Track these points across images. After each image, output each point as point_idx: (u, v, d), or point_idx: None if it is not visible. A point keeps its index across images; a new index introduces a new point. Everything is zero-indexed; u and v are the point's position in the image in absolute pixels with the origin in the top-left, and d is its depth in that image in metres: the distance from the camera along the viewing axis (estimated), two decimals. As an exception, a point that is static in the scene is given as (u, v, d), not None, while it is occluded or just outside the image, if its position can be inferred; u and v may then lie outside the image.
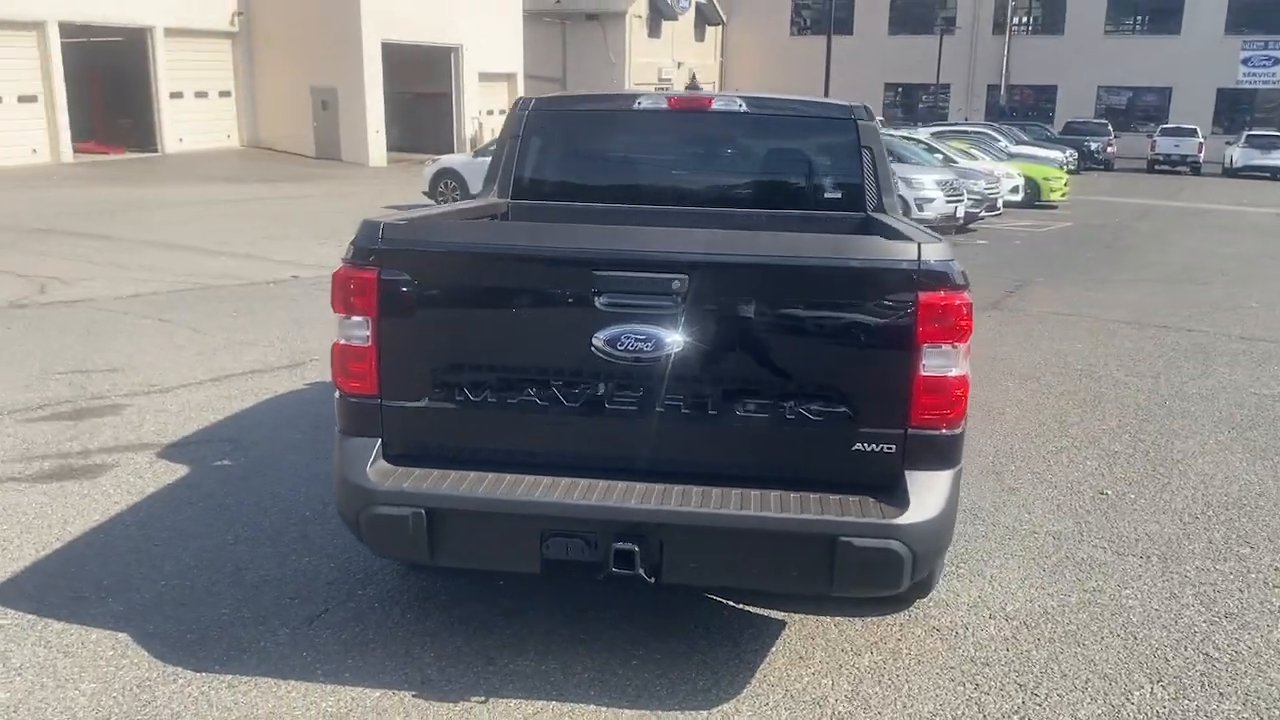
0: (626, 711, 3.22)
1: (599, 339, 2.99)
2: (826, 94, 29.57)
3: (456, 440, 3.23)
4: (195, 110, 30.95)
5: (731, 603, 3.93)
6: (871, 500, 3.02)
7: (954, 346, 2.98)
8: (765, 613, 3.87)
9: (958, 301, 2.96)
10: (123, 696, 3.23)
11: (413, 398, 3.19)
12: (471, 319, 3.17)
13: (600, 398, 3.11)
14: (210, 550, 4.28)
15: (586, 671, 3.42)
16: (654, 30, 43.25)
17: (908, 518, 2.96)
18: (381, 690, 3.29)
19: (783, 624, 3.81)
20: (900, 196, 5.46)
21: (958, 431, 3.09)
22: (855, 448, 3.02)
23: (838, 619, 3.83)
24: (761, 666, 3.51)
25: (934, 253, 2.97)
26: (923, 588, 3.71)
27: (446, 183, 20.25)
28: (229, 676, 3.35)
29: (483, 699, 3.26)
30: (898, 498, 3.01)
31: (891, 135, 19.61)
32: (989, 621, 3.88)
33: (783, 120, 4.66)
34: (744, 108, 4.56)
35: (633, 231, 3.26)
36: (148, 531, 4.49)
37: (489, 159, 4.54)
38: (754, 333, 3.05)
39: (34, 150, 26.78)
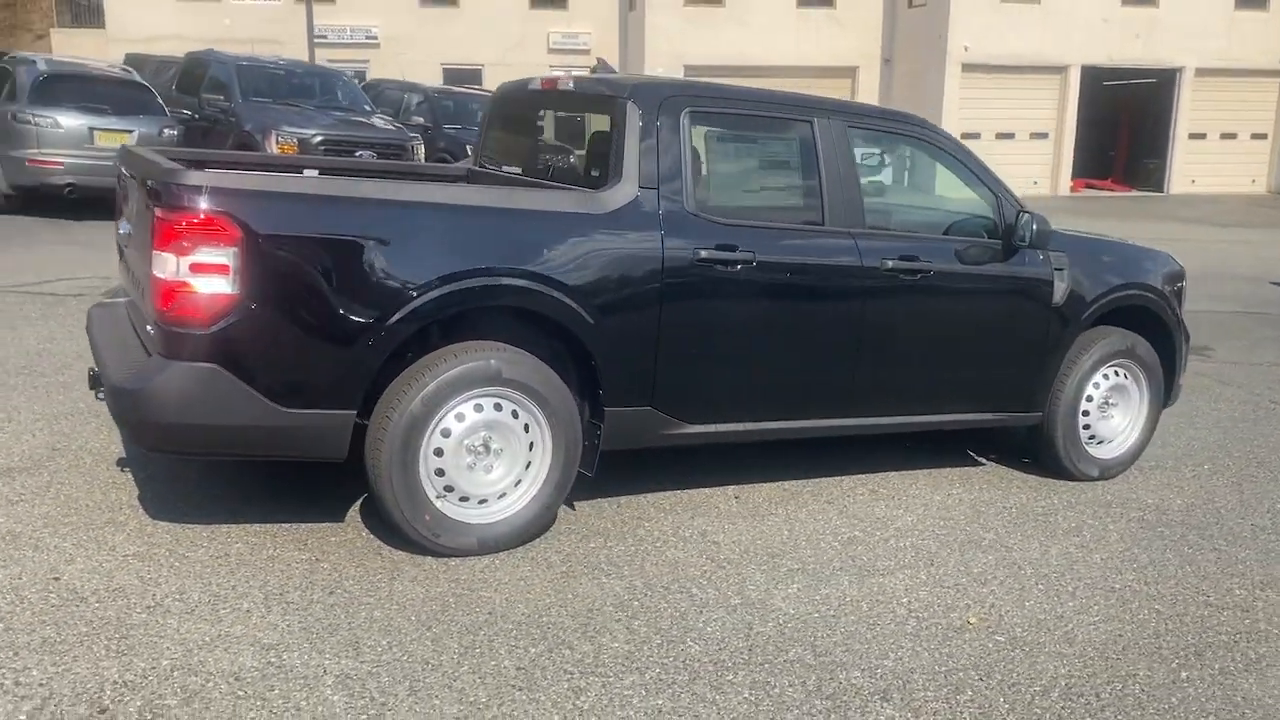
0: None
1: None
2: None
3: None
4: (1217, 152, 29.97)
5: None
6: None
7: (174, 256, 3.43)
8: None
9: (175, 219, 3.41)
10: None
11: None
12: None
13: None
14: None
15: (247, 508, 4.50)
16: None
17: (121, 383, 3.58)
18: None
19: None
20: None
21: (195, 333, 3.46)
22: (155, 329, 3.66)
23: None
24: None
25: (168, 175, 3.47)
26: None
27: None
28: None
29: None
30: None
31: None
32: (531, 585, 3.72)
33: (584, 99, 4.57)
34: (570, 87, 4.65)
35: (150, 154, 4.21)
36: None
37: None
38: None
39: (1034, 182, 29.34)
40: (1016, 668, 3.46)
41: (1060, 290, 5.05)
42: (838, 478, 5.16)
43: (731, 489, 4.91)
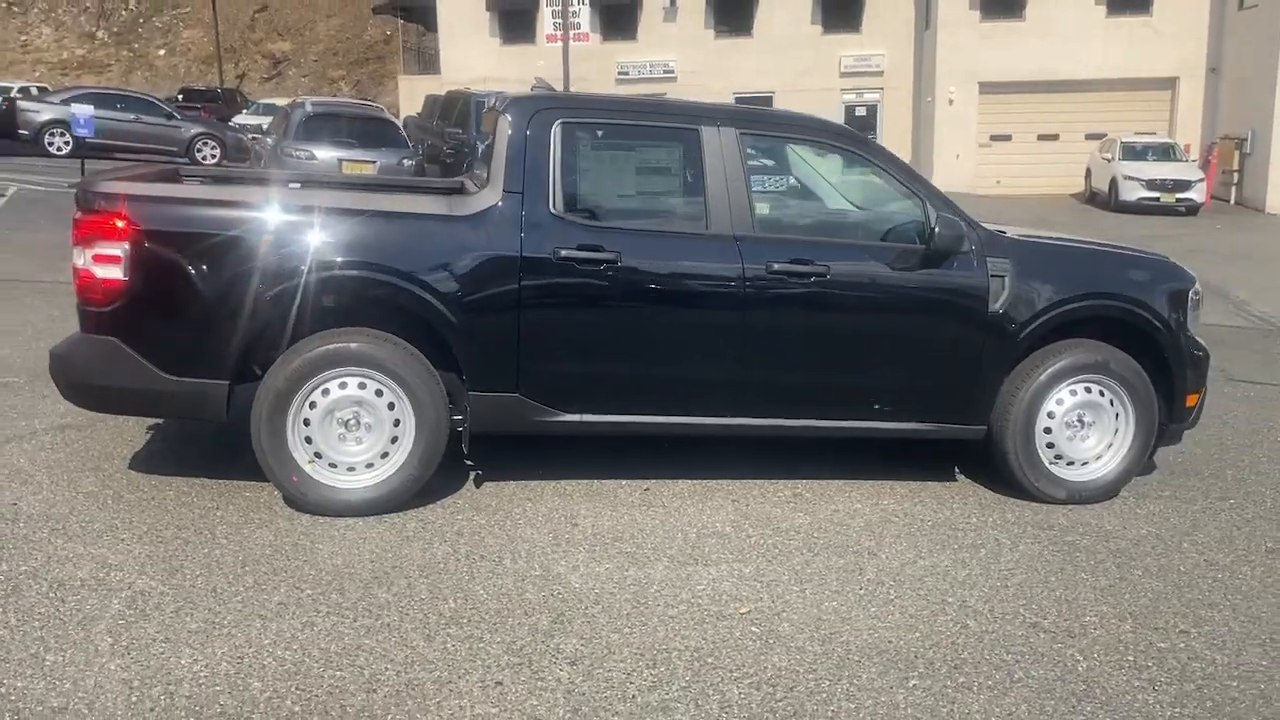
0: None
1: None
2: None
3: None
4: None
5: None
6: None
7: (82, 249, 4.27)
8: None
9: (82, 219, 4.26)
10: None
11: None
12: None
13: None
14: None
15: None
16: None
17: (53, 350, 4.48)
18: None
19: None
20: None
21: (98, 310, 4.27)
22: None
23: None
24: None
25: (84, 184, 4.33)
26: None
27: None
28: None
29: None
30: None
31: None
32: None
33: (487, 115, 4.97)
34: (493, 104, 5.08)
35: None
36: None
37: None
38: None
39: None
40: (735, 656, 3.52)
41: (1000, 298, 4.83)
42: (772, 480, 5.21)
43: (649, 482, 5.12)
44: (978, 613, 3.92)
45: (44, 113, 22.39)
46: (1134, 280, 5.07)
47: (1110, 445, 5.09)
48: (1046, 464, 5.04)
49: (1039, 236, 5.31)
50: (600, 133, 4.73)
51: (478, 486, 4.98)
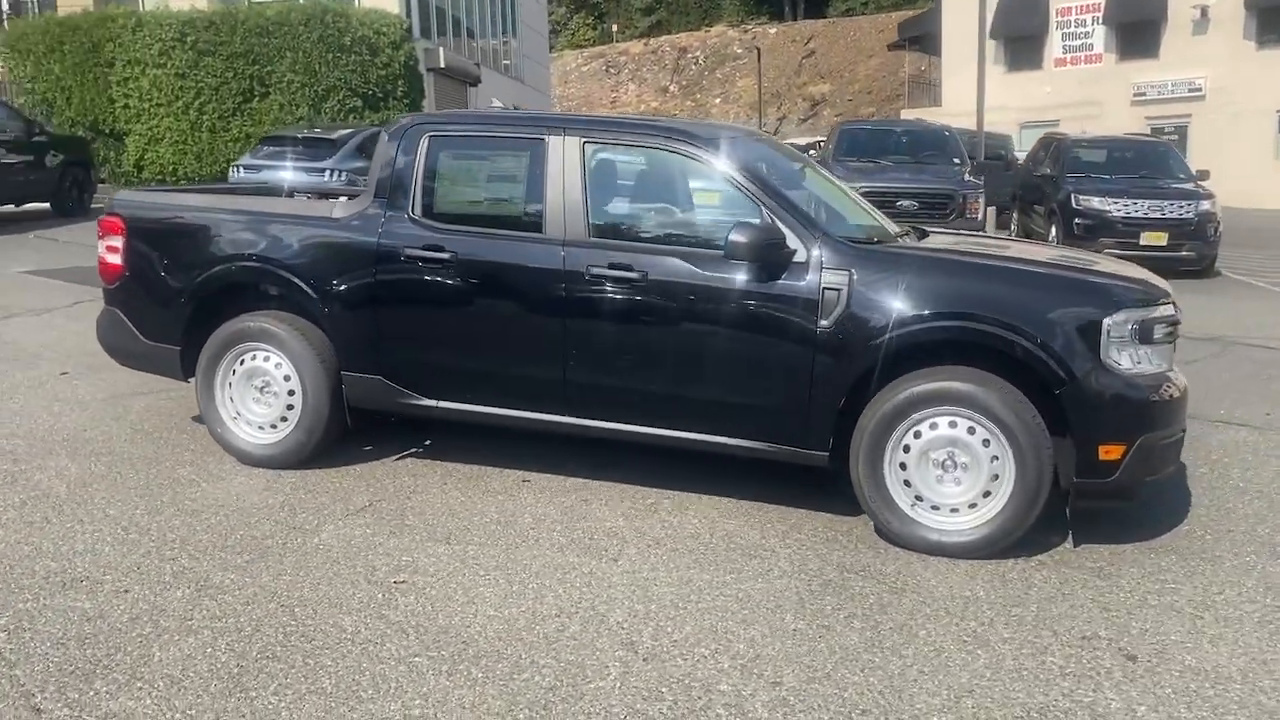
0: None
1: None
2: None
3: None
4: None
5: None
6: None
7: (101, 242, 5.69)
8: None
9: (101, 220, 5.69)
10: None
11: None
12: None
13: None
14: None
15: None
16: None
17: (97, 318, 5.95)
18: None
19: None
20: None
21: (108, 288, 5.63)
22: None
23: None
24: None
25: (114, 194, 5.75)
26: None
27: None
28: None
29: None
30: None
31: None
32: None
33: None
34: None
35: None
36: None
37: None
38: None
39: None
40: (324, 612, 3.83)
41: (832, 313, 4.43)
42: (663, 490, 5.15)
43: (531, 474, 5.38)
44: (603, 624, 3.78)
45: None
46: (1013, 301, 4.28)
47: (988, 494, 4.35)
48: (905, 506, 4.46)
49: (942, 248, 4.66)
50: (460, 145, 5.15)
51: (396, 459, 5.61)
